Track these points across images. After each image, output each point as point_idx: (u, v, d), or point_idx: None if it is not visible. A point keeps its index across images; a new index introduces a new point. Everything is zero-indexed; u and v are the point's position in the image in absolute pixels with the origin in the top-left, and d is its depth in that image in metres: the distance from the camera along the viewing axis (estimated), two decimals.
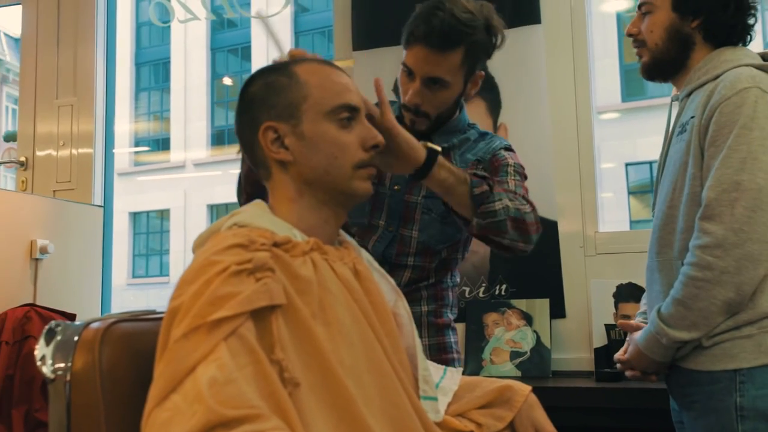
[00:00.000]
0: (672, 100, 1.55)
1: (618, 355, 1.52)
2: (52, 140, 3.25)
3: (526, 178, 1.50)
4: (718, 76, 1.40)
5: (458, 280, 1.62)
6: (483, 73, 1.51)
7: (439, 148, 1.24)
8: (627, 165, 11.25)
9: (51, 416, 0.96)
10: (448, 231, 1.50)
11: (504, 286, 2.50)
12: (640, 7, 1.52)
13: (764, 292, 1.32)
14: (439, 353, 1.53)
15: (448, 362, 1.53)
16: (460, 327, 2.49)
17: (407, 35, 1.43)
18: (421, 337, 1.50)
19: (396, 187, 1.53)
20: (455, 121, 1.55)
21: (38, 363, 0.97)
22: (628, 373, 1.50)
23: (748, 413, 1.31)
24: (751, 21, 1.46)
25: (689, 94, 1.46)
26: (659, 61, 1.49)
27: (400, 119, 1.55)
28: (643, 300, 1.61)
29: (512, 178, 1.45)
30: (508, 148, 1.53)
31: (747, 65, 1.38)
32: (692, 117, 1.41)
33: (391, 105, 1.61)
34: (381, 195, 1.53)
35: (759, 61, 1.39)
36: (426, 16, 1.39)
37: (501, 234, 1.32)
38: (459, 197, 1.29)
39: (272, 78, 1.04)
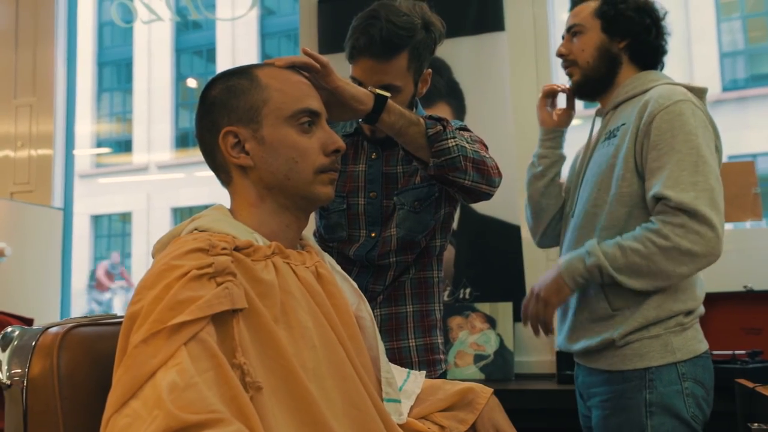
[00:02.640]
0: (596, 115, 1.65)
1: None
2: (9, 141, 3.19)
3: (486, 147, 1.52)
4: (646, 91, 1.50)
5: (443, 275, 1.63)
6: (431, 70, 1.53)
7: (387, 94, 1.25)
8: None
9: (7, 423, 0.94)
10: (423, 219, 1.51)
11: (468, 290, 2.53)
12: (569, 29, 1.62)
13: (674, 291, 1.43)
14: (427, 354, 1.53)
15: (435, 363, 1.54)
16: None
17: (350, 49, 1.44)
18: (407, 338, 1.51)
19: (372, 194, 1.54)
20: None
21: None
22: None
23: (656, 409, 1.40)
24: (666, 48, 1.59)
25: (616, 107, 1.57)
26: (590, 79, 1.60)
27: (359, 131, 1.56)
28: None
29: (468, 139, 1.46)
30: (464, 128, 1.56)
31: (676, 84, 1.50)
32: (623, 124, 1.50)
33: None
34: (355, 206, 1.54)
35: (683, 84, 1.51)
36: (364, 28, 1.41)
37: (458, 171, 1.34)
38: (413, 138, 1.31)
39: (233, 81, 1.03)
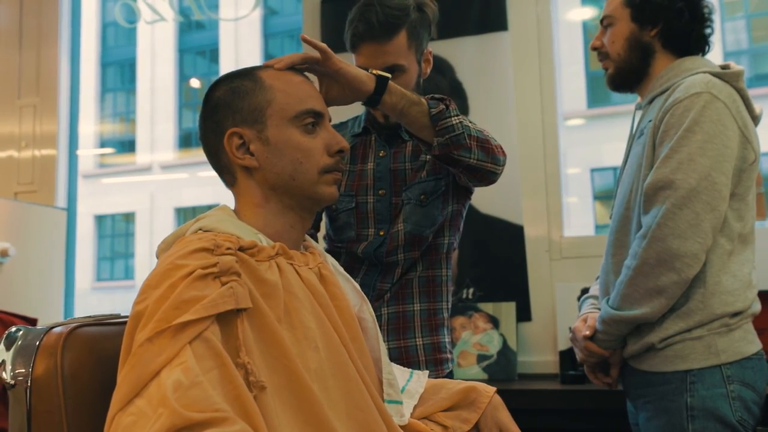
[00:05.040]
0: (636, 109, 1.60)
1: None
2: (13, 141, 3.19)
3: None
4: (676, 84, 1.45)
5: (451, 273, 1.61)
6: (431, 50, 1.58)
7: (388, 75, 1.27)
8: (592, 171, 11.43)
9: (11, 423, 0.94)
10: (430, 213, 1.52)
11: (471, 290, 2.53)
12: (602, 21, 1.58)
13: (715, 294, 1.38)
14: (434, 353, 1.53)
15: (442, 362, 1.54)
16: None
17: (351, 38, 1.50)
18: (414, 337, 1.50)
19: (381, 192, 1.54)
20: None
21: None
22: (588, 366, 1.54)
23: (698, 413, 1.36)
24: (707, 31, 1.53)
25: (651, 101, 1.52)
26: (622, 71, 1.55)
27: (373, 121, 1.57)
28: (594, 286, 1.67)
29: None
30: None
31: (704, 72, 1.44)
32: (650, 121, 1.46)
33: (355, 119, 1.63)
34: (364, 204, 1.54)
35: (716, 69, 1.45)
36: (361, 15, 1.47)
37: (463, 149, 1.35)
38: (416, 118, 1.32)
39: (237, 83, 1.04)
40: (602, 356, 1.49)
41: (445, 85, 2.61)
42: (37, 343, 0.94)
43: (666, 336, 1.39)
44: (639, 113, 1.58)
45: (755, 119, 1.47)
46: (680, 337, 1.38)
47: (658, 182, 1.37)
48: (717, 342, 1.37)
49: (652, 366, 1.42)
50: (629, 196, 1.48)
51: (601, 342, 1.47)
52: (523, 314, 2.48)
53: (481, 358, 2.41)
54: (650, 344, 1.41)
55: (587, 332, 1.49)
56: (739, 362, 1.37)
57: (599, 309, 1.51)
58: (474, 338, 2.45)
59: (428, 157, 1.53)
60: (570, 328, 1.59)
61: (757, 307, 1.43)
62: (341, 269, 1.13)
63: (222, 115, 1.03)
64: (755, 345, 1.41)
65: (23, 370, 0.93)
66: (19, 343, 0.96)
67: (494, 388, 1.15)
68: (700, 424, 1.35)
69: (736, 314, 1.38)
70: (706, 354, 1.37)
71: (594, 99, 11.19)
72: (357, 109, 1.62)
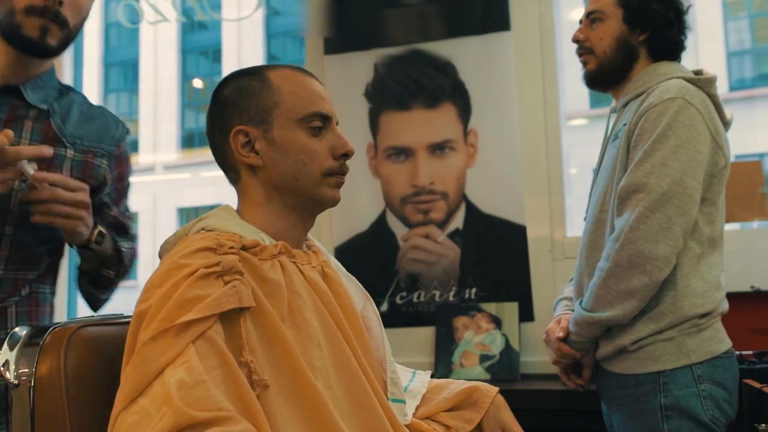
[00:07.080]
0: (610, 112, 1.62)
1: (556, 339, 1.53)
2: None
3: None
4: (651, 88, 1.46)
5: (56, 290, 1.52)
6: None
7: (104, 232, 1.38)
8: (594, 171, 11.44)
9: (15, 423, 0.95)
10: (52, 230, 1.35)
11: (474, 290, 2.53)
12: (588, 15, 1.58)
13: (686, 296, 1.39)
14: None
15: None
16: (431, 330, 2.51)
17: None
18: None
19: None
20: (48, 76, 1.41)
21: (1, 368, 0.96)
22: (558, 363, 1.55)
23: (672, 413, 1.37)
24: (685, 43, 1.56)
25: (626, 105, 1.54)
26: (605, 69, 1.56)
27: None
28: (567, 288, 1.69)
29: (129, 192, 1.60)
30: (129, 131, 1.53)
31: (678, 77, 1.45)
32: (624, 124, 1.48)
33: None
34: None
35: (690, 75, 1.47)
36: None
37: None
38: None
39: (245, 82, 1.04)
40: (575, 357, 1.49)
41: (447, 85, 2.61)
42: (41, 342, 0.95)
43: (638, 338, 1.40)
44: (614, 116, 1.60)
45: (726, 125, 1.49)
46: (652, 338, 1.40)
47: (631, 186, 1.39)
48: (687, 342, 1.39)
49: (624, 368, 1.43)
50: (603, 198, 1.49)
51: (573, 343, 1.48)
52: (526, 314, 2.48)
53: (483, 358, 2.41)
54: (622, 346, 1.42)
55: (560, 333, 1.50)
56: (709, 361, 1.39)
57: (573, 311, 1.52)
58: (476, 338, 2.45)
59: None
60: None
61: (725, 306, 1.46)
62: (343, 269, 1.13)
63: (229, 114, 1.03)
64: (725, 344, 1.43)
65: (27, 370, 0.93)
66: (23, 342, 0.96)
67: (497, 388, 1.15)
68: (675, 423, 1.37)
69: (705, 315, 1.40)
70: (677, 354, 1.38)
71: (596, 99, 11.18)
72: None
